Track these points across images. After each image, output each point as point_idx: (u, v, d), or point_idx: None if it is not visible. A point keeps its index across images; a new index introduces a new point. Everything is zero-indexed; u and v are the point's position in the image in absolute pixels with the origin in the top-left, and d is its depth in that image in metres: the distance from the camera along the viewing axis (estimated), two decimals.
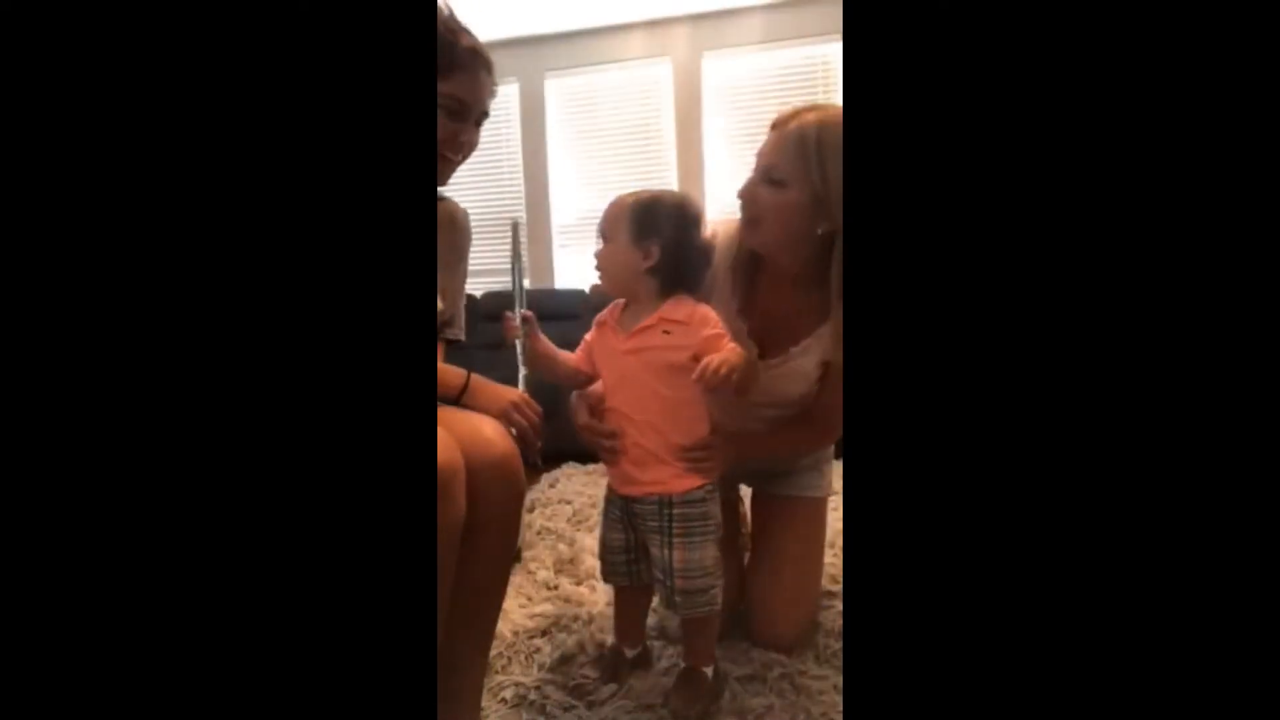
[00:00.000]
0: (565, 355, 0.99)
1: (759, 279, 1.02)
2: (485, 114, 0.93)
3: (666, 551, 0.89)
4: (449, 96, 0.87)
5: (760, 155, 0.90)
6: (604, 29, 3.16)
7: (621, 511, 0.95)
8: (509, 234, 3.34)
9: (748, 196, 0.90)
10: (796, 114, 0.88)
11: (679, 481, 0.90)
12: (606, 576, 1.00)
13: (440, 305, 0.97)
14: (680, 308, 0.89)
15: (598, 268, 0.93)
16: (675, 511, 0.90)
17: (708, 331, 0.87)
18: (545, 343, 0.98)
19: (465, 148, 0.92)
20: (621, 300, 0.95)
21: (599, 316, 0.97)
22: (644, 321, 0.89)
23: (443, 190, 1.01)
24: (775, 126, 0.89)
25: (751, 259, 0.99)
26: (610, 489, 0.98)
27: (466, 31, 0.89)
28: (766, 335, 1.01)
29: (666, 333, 0.88)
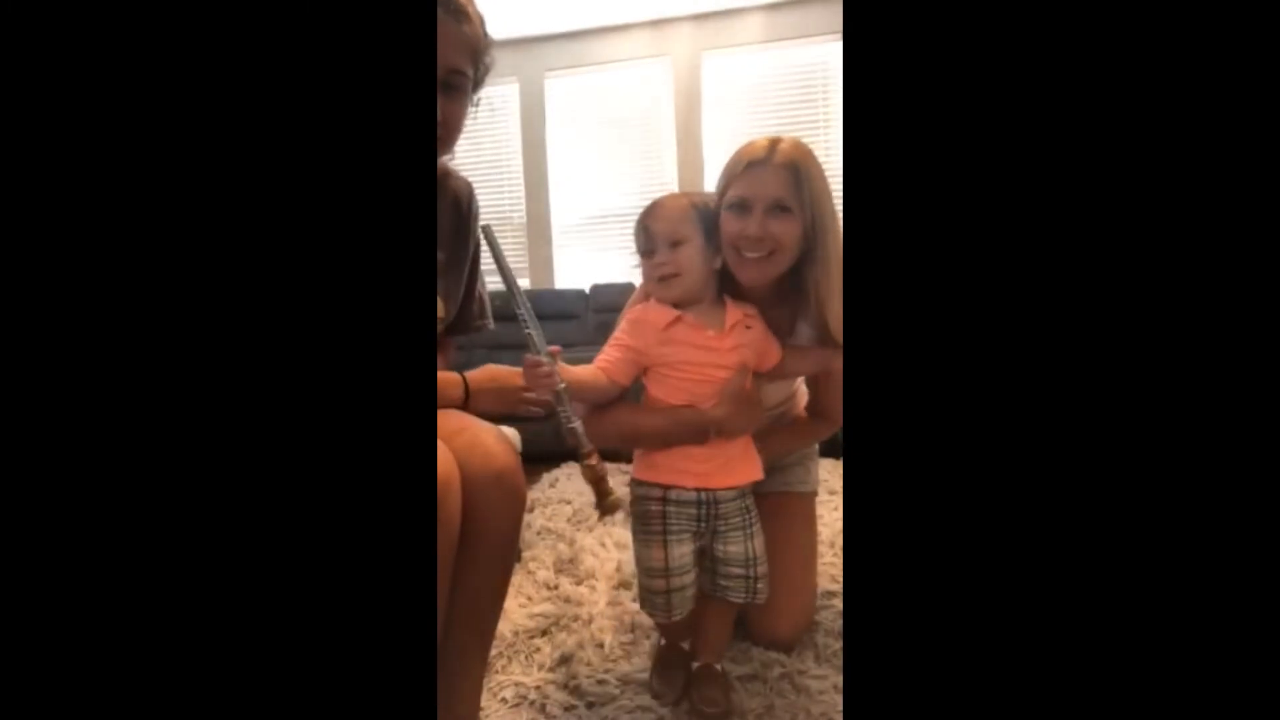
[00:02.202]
0: (590, 373, 0.89)
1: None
2: (461, 75, 0.76)
3: (750, 543, 0.92)
4: None
5: (757, 193, 0.89)
6: (604, 29, 3.16)
7: (697, 520, 0.90)
8: (508, 235, 3.35)
9: (763, 233, 0.88)
10: (771, 148, 0.90)
11: (758, 469, 0.95)
12: (676, 608, 0.89)
13: (441, 307, 0.89)
14: (737, 305, 0.94)
15: (670, 273, 0.88)
16: (749, 501, 0.94)
17: (762, 325, 0.95)
18: (574, 373, 0.87)
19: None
20: (667, 303, 0.91)
21: (661, 318, 0.90)
22: (733, 318, 0.92)
23: (445, 161, 0.87)
24: (754, 164, 0.89)
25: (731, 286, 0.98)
26: (675, 498, 0.89)
27: None
28: None
29: (749, 328, 0.93)
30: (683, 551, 0.89)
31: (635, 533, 0.92)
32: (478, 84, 0.81)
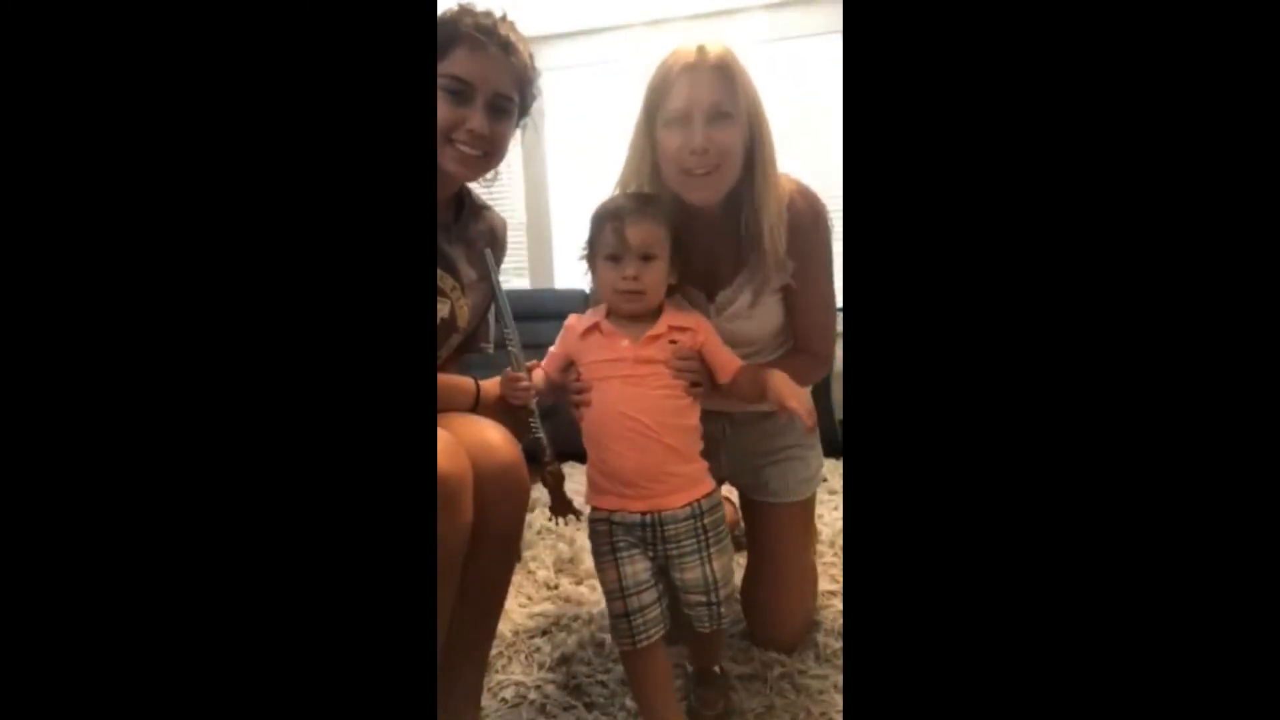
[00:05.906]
0: (540, 375, 0.94)
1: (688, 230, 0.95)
2: (507, 99, 0.87)
3: (707, 567, 0.84)
4: (447, 76, 0.82)
5: (696, 100, 0.87)
6: (604, 29, 3.16)
7: (641, 540, 0.85)
8: (509, 235, 3.35)
9: (708, 143, 0.86)
10: (702, 52, 0.88)
11: (705, 481, 0.87)
12: (640, 632, 0.82)
13: (464, 318, 0.94)
14: (679, 315, 0.90)
15: (636, 290, 0.85)
16: (707, 520, 0.85)
17: (705, 336, 0.90)
18: (536, 377, 0.93)
19: (478, 138, 0.84)
20: (602, 308, 0.91)
21: (582, 324, 0.90)
22: (654, 329, 0.87)
23: (487, 198, 1.00)
24: (688, 68, 0.88)
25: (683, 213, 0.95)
26: (611, 520, 0.85)
27: (482, 11, 0.86)
28: (706, 282, 1.00)
29: (673, 341, 0.87)
30: (637, 570, 0.84)
31: (594, 560, 0.89)
32: (525, 110, 0.93)
